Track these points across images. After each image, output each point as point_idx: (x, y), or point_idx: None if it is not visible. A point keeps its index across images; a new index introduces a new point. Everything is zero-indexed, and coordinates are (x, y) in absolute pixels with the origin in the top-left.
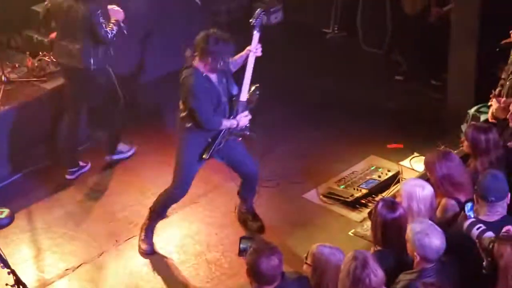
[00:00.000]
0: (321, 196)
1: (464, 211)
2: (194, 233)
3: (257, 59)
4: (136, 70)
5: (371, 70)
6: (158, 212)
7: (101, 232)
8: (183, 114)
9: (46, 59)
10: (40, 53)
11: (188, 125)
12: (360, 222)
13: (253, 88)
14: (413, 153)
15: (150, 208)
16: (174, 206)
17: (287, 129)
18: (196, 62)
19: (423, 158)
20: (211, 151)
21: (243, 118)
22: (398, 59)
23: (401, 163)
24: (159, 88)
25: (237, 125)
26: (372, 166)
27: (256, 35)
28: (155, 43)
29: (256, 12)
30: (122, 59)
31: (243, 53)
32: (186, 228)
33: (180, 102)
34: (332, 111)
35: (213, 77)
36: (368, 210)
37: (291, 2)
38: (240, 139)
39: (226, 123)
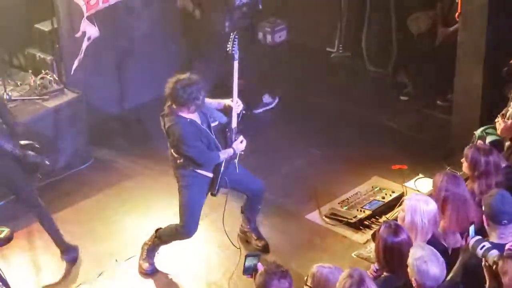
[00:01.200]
0: (324, 217)
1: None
2: (196, 253)
3: (262, 76)
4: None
5: (376, 90)
6: (163, 240)
7: (101, 251)
8: (180, 161)
9: (48, 77)
10: (43, 71)
11: (186, 168)
12: (364, 244)
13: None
14: (417, 175)
15: (156, 232)
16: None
17: (290, 149)
18: (177, 110)
19: (428, 179)
20: (217, 186)
21: (239, 145)
22: (403, 79)
23: (405, 184)
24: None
25: (234, 152)
26: (376, 187)
27: (235, 64)
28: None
29: (230, 37)
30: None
31: (223, 103)
32: (188, 248)
33: (171, 151)
34: (336, 132)
35: (197, 118)
36: (371, 231)
37: (296, 22)
38: (236, 160)
39: (224, 155)
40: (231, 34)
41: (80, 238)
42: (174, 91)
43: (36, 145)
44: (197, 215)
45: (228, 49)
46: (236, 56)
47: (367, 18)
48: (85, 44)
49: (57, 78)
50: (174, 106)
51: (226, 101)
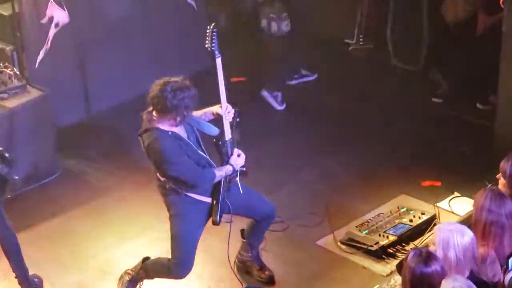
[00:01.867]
0: (339, 243)
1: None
2: (184, 286)
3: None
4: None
5: (403, 90)
6: (150, 276)
7: (69, 283)
8: (169, 185)
9: (8, 71)
10: (1, 64)
11: (178, 193)
12: (387, 276)
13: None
14: (453, 193)
15: (143, 263)
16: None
17: (298, 160)
18: (157, 122)
19: (465, 199)
20: (218, 212)
21: (238, 159)
22: (436, 77)
23: (438, 204)
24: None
25: (234, 169)
26: (403, 208)
27: (218, 60)
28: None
29: (207, 31)
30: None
31: (211, 111)
32: (178, 281)
33: (157, 174)
34: (354, 139)
35: (181, 131)
36: (396, 261)
37: (309, 10)
38: (237, 178)
39: (220, 172)
40: (208, 27)
41: (42, 268)
42: (162, 93)
43: (6, 153)
44: (193, 250)
45: (206, 46)
46: (217, 52)
47: (392, 3)
48: (52, 31)
49: (18, 73)
50: (154, 115)
51: (214, 109)
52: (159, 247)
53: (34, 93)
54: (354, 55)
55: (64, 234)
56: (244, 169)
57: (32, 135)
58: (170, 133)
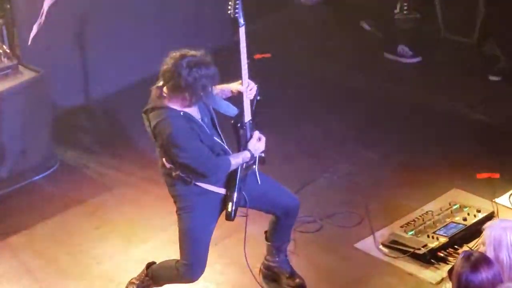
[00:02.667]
0: (380, 246)
1: None
2: None
3: (292, 44)
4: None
5: (455, 66)
6: (157, 283)
7: None
8: (175, 173)
9: None
10: None
11: (187, 182)
12: (437, 284)
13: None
14: None
15: (147, 269)
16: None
17: (331, 149)
18: (167, 100)
19: None
20: (233, 206)
21: (257, 144)
22: (494, 51)
23: (496, 200)
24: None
25: (252, 156)
26: (455, 205)
27: (242, 30)
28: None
29: None
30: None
31: (230, 88)
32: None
33: (163, 160)
34: (398, 124)
35: (194, 111)
36: (448, 267)
37: None
38: (255, 166)
39: (237, 160)
40: None
41: (38, 275)
42: (176, 68)
43: None
44: (204, 249)
45: (229, 12)
46: (241, 20)
47: None
48: (47, 3)
49: (8, 51)
50: (164, 92)
51: (233, 86)
52: (173, 251)
53: (27, 74)
54: (398, 27)
55: (63, 236)
56: (263, 155)
57: (25, 123)
58: (182, 113)
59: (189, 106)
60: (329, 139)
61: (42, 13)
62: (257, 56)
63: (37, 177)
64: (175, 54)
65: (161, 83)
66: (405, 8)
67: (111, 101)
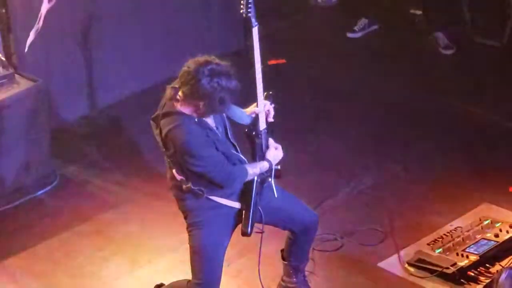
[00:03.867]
0: (406, 265)
1: None
2: None
3: (313, 51)
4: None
5: (484, 71)
6: None
7: None
8: (186, 185)
9: None
10: None
11: (198, 196)
12: None
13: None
14: None
15: None
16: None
17: (350, 159)
18: (180, 104)
19: None
20: (250, 220)
21: (275, 153)
22: None
23: None
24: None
25: (270, 166)
26: (486, 220)
27: (255, 30)
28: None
29: None
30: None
31: (248, 111)
32: None
33: (173, 171)
34: (422, 133)
35: (209, 119)
36: (479, 287)
37: None
38: (271, 179)
39: (254, 170)
40: None
41: None
42: (196, 74)
43: None
44: (218, 267)
45: (241, 11)
46: (254, 20)
47: None
48: (45, 7)
49: (4, 59)
50: (179, 95)
51: (250, 110)
52: (182, 271)
53: (24, 84)
54: (422, 29)
55: (64, 258)
56: (279, 167)
57: (22, 136)
58: (196, 119)
59: (201, 116)
60: (348, 151)
61: (40, 18)
62: (271, 61)
63: (35, 194)
64: (199, 58)
65: (178, 84)
66: None
67: (115, 110)
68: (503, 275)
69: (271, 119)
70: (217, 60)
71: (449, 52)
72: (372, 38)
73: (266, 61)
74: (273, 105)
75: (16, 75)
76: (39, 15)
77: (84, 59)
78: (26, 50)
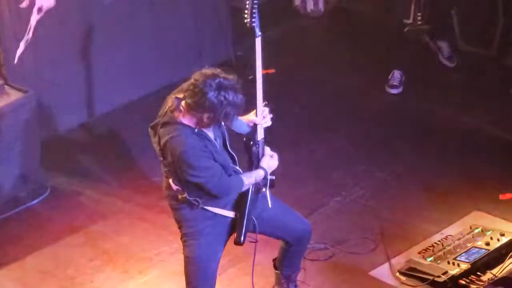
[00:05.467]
0: (397, 274)
1: None
2: None
3: (302, 60)
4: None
5: (473, 80)
6: None
7: None
8: (182, 195)
9: None
10: None
11: (193, 206)
12: None
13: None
14: None
15: None
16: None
17: (341, 168)
18: (182, 115)
19: None
20: (243, 229)
21: (271, 161)
22: None
23: None
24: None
25: (265, 174)
26: (477, 228)
27: (258, 40)
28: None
29: (247, 3)
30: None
31: (244, 121)
32: None
33: (169, 180)
34: (412, 142)
35: (209, 131)
36: None
37: None
38: (265, 189)
39: (250, 179)
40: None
41: None
42: (204, 86)
43: None
44: (212, 277)
45: (246, 21)
46: (258, 30)
47: None
48: (34, 18)
49: None
50: (182, 106)
51: (248, 117)
52: (174, 282)
53: (14, 95)
54: (411, 38)
55: (55, 269)
56: (273, 177)
57: (12, 147)
58: (196, 130)
59: (202, 127)
60: (338, 160)
61: (29, 29)
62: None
63: (26, 205)
64: (206, 71)
65: (181, 95)
66: (419, 18)
67: (106, 121)
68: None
69: (267, 124)
70: (223, 74)
71: (450, 64)
72: (359, 49)
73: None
74: (271, 115)
75: (6, 86)
76: (29, 26)
77: (72, 70)
78: (15, 61)
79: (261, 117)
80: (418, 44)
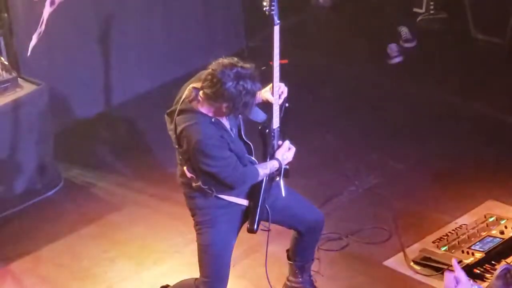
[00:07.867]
0: (411, 264)
1: None
2: None
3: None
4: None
5: (487, 69)
6: None
7: None
8: (196, 184)
9: None
10: None
11: (207, 194)
12: None
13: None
14: None
15: None
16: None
17: (355, 158)
18: (200, 104)
19: None
20: (257, 217)
21: (286, 153)
22: None
23: None
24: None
25: (279, 165)
26: (491, 217)
27: (276, 29)
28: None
29: None
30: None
31: (260, 97)
32: None
33: (184, 168)
34: (426, 131)
35: (225, 120)
36: (485, 284)
37: None
38: (279, 178)
39: (265, 170)
40: None
41: None
42: (222, 76)
43: None
44: (226, 265)
45: (265, 8)
46: (277, 18)
47: None
48: (47, 11)
49: (7, 63)
50: (200, 95)
51: (263, 94)
52: (188, 273)
53: (27, 88)
54: (424, 28)
55: (70, 260)
56: (287, 167)
57: (26, 140)
58: (213, 119)
59: (220, 116)
60: (352, 150)
61: (42, 22)
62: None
63: (40, 197)
64: (223, 60)
65: (200, 84)
66: (432, 7)
67: (119, 112)
68: (497, 271)
69: (281, 102)
70: (241, 63)
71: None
72: (371, 38)
73: (268, 62)
74: (287, 104)
75: (19, 79)
76: (41, 19)
77: (85, 62)
78: (28, 54)
79: (277, 89)
80: (431, 34)
